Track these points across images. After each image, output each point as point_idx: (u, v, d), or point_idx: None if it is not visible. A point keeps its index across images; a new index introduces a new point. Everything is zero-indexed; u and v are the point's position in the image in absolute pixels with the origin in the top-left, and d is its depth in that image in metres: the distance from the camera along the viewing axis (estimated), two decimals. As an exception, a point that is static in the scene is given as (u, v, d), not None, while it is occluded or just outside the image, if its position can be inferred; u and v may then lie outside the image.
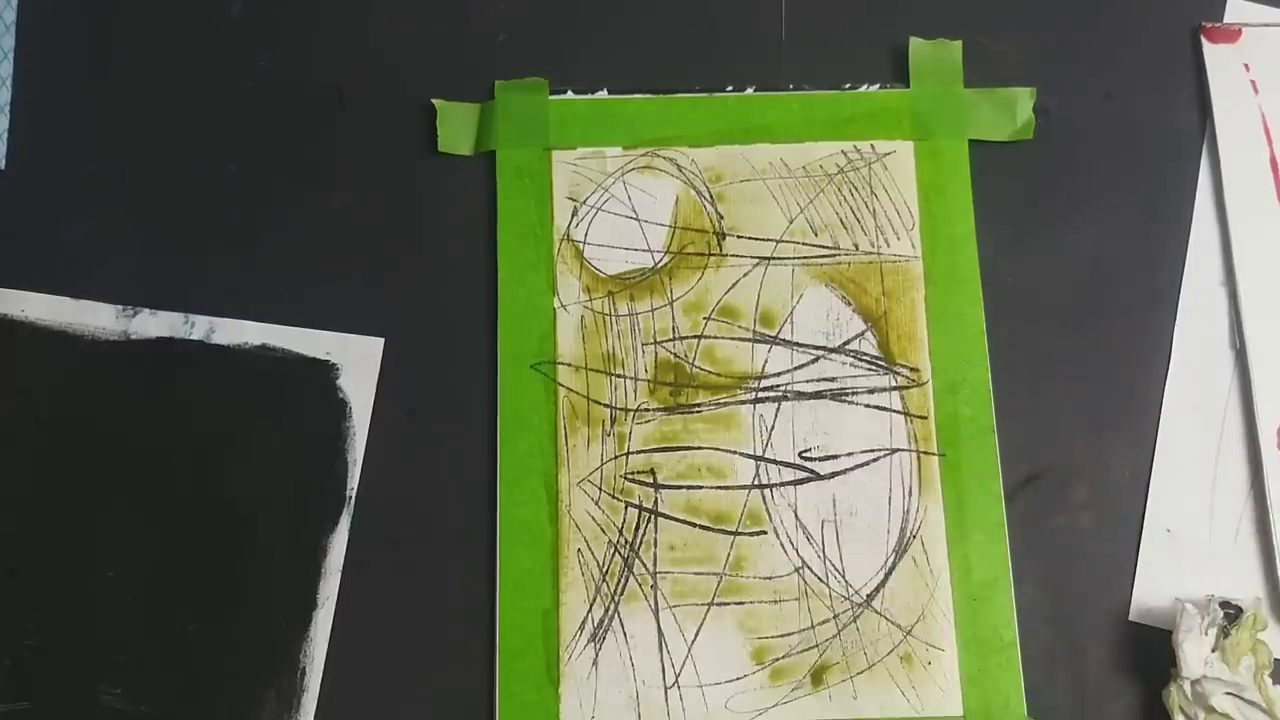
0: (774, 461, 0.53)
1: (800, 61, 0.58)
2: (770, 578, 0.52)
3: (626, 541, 0.52)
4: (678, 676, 0.51)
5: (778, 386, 0.54)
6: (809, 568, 0.52)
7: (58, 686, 0.51)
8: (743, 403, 0.54)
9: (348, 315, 0.55)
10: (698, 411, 0.54)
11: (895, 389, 0.54)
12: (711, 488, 0.53)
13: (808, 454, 0.53)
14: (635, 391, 0.54)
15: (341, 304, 0.55)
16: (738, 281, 0.55)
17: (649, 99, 0.57)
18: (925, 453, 0.53)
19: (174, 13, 0.59)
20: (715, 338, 0.55)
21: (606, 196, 0.56)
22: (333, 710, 0.51)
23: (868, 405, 0.54)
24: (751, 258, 0.55)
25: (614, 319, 0.55)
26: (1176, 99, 0.58)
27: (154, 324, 0.55)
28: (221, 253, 0.56)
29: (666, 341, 0.54)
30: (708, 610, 0.52)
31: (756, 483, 0.53)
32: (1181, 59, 0.58)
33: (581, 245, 0.55)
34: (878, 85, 0.57)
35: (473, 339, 0.55)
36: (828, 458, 0.53)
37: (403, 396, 0.54)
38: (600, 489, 0.53)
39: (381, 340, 0.55)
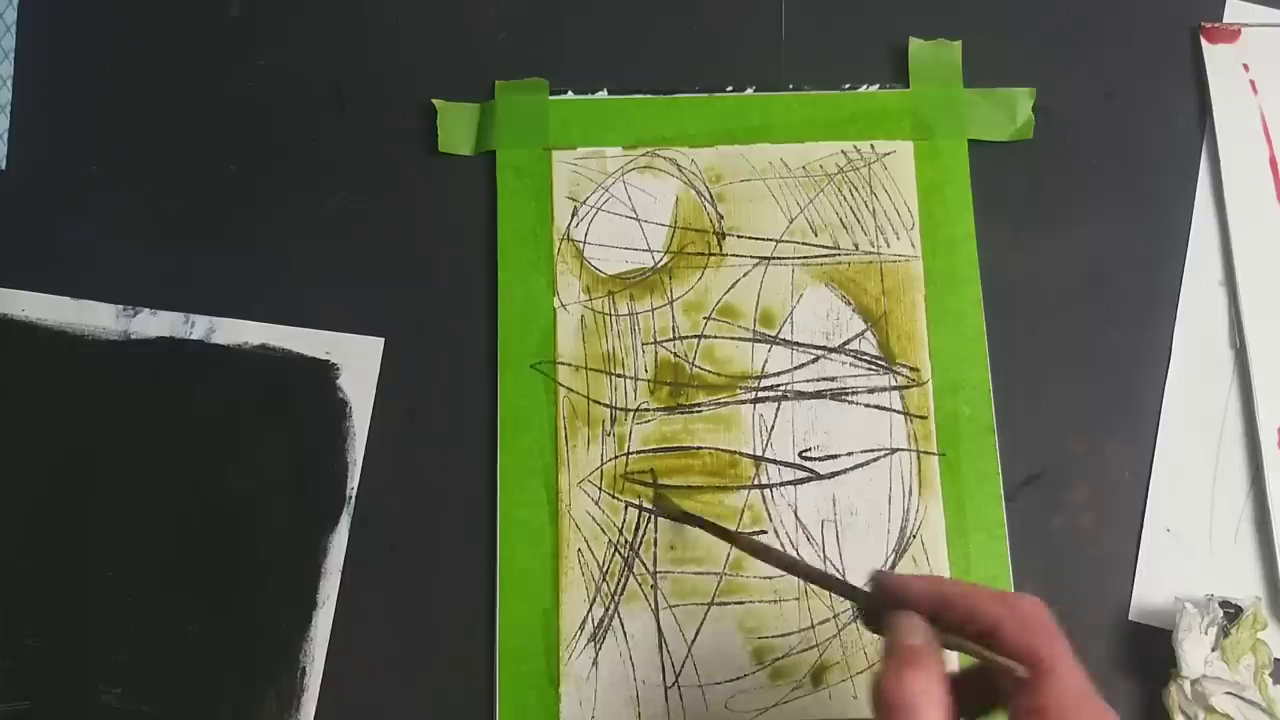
0: (774, 461, 0.53)
1: (800, 61, 0.58)
2: (770, 577, 0.52)
3: (626, 541, 0.52)
4: (678, 676, 0.51)
5: (778, 386, 0.54)
6: (809, 567, 0.52)
7: (58, 686, 0.51)
8: (743, 402, 0.54)
9: (348, 315, 0.55)
10: (698, 411, 0.54)
11: (895, 389, 0.54)
12: (711, 488, 0.53)
13: (808, 454, 0.53)
14: (635, 391, 0.54)
15: (341, 304, 0.55)
16: (738, 281, 0.55)
17: (649, 99, 0.57)
18: (925, 452, 0.53)
19: (173, 13, 0.59)
20: (715, 337, 0.55)
21: (606, 196, 0.56)
22: (333, 710, 0.51)
23: (868, 405, 0.54)
24: (751, 257, 0.55)
25: (614, 319, 0.55)
26: (1176, 99, 0.58)
27: (154, 324, 0.55)
28: (221, 253, 0.56)
29: (666, 341, 0.54)
30: (708, 610, 0.52)
31: (756, 483, 0.53)
32: (1181, 59, 0.58)
33: (581, 245, 0.55)
34: (878, 85, 0.57)
35: (473, 339, 0.55)
36: (828, 457, 0.53)
37: (403, 396, 0.54)
38: (600, 489, 0.53)
39: (381, 340, 0.55)
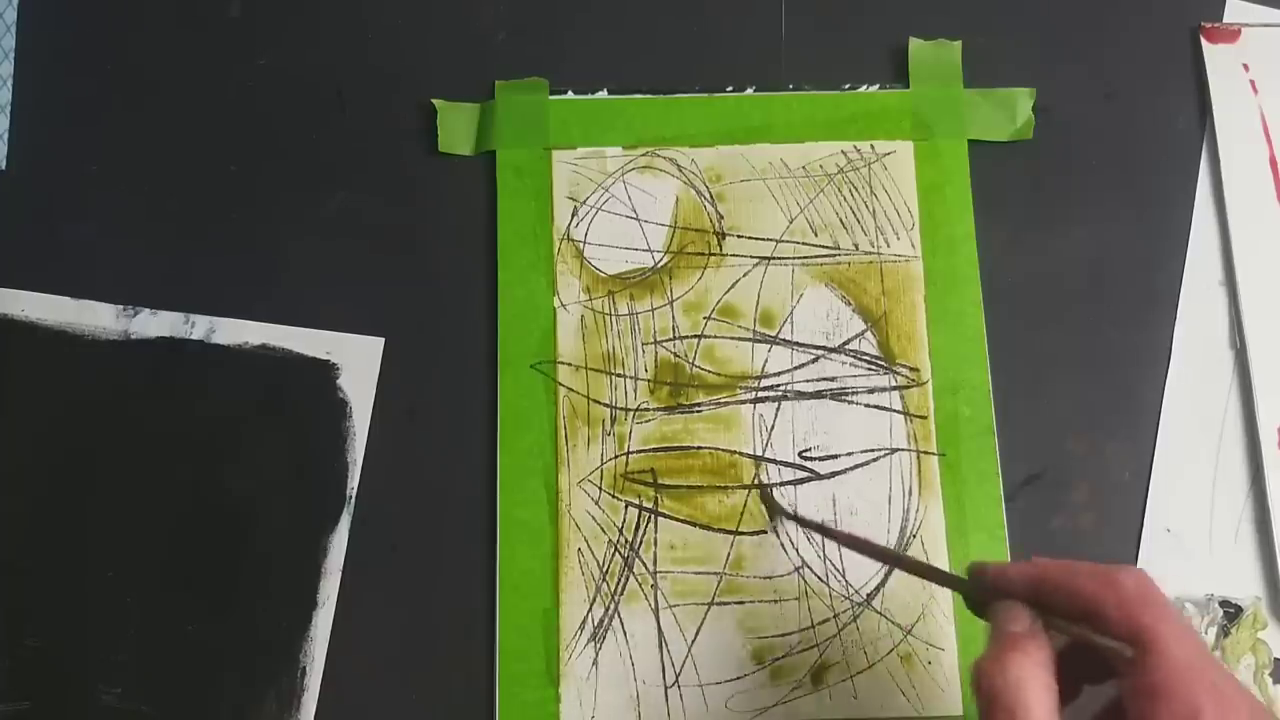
0: (774, 461, 0.53)
1: (800, 61, 0.58)
2: (770, 577, 0.52)
3: (626, 541, 0.52)
4: (678, 676, 0.51)
5: (778, 386, 0.54)
6: (809, 567, 0.52)
7: (58, 686, 0.51)
8: (743, 402, 0.54)
9: (348, 315, 0.55)
10: (698, 411, 0.54)
11: (895, 389, 0.54)
12: (711, 487, 0.53)
13: (808, 454, 0.53)
14: (635, 391, 0.54)
15: (341, 304, 0.55)
16: (738, 281, 0.55)
17: (649, 99, 0.57)
18: (925, 453, 0.53)
19: (173, 13, 0.59)
20: (715, 337, 0.55)
21: (606, 196, 0.56)
22: (333, 710, 0.51)
23: (868, 405, 0.54)
24: (751, 257, 0.55)
25: (614, 319, 0.55)
26: (1176, 99, 0.58)
27: (154, 324, 0.55)
28: (221, 253, 0.56)
29: (666, 341, 0.54)
30: (708, 610, 0.52)
31: (756, 482, 0.53)
32: (1181, 59, 0.58)
33: (581, 245, 0.55)
34: (878, 85, 0.57)
35: (473, 339, 0.55)
36: (828, 457, 0.53)
37: (403, 396, 0.54)
38: (600, 489, 0.53)
39: (381, 340, 0.55)
